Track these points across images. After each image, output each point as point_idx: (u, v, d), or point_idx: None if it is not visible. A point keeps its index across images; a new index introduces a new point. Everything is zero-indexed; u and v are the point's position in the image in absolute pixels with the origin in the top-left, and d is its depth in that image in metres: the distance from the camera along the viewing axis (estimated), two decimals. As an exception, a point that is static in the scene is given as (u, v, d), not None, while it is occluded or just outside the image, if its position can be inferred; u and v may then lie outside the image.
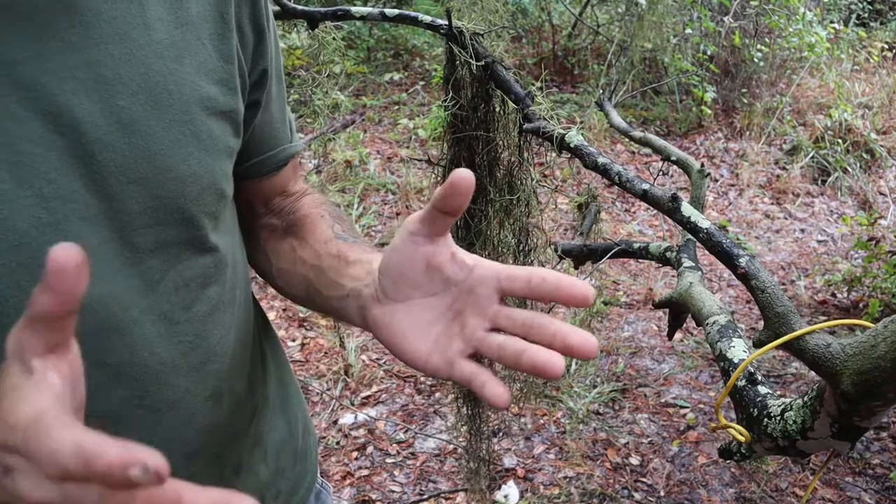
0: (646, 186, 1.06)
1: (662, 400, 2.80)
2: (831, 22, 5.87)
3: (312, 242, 0.71)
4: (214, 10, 0.61)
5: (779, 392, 2.98)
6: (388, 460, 2.45)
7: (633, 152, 4.90)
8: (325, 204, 0.79)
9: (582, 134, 1.09)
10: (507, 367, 0.48)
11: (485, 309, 0.50)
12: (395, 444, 2.52)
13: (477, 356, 0.51)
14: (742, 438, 0.87)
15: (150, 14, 0.56)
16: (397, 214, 4.07)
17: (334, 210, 0.78)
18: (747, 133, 5.15)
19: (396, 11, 1.36)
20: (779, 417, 0.81)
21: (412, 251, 0.52)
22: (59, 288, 0.36)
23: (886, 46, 6.06)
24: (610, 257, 1.62)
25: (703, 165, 1.53)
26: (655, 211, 1.19)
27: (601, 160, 1.12)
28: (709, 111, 4.98)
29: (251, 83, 0.67)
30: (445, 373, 0.51)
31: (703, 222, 0.95)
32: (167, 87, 0.57)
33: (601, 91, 2.31)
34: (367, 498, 2.28)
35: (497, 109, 1.29)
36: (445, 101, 1.26)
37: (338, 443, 2.52)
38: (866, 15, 6.94)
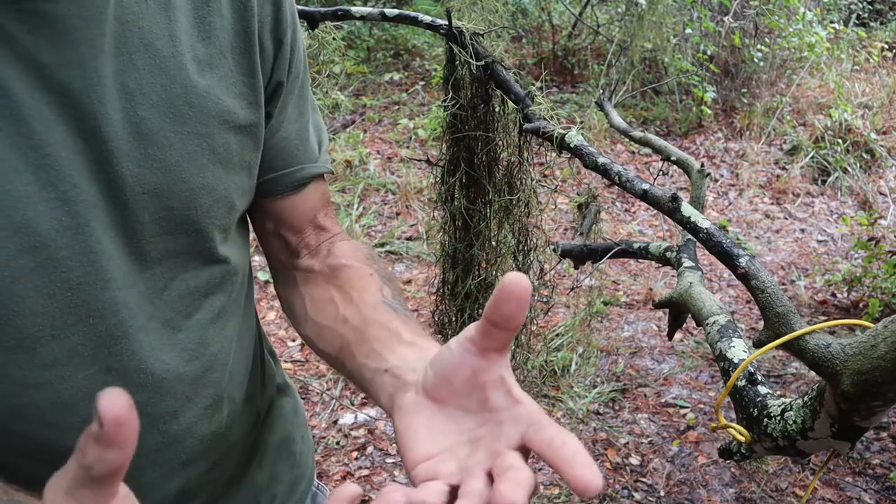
0: (646, 186, 1.06)
1: (662, 400, 2.80)
2: (831, 22, 5.87)
3: (359, 303, 0.66)
4: (238, 24, 0.61)
5: (779, 392, 2.97)
6: (388, 460, 2.45)
7: (633, 152, 4.90)
8: (371, 258, 0.74)
9: (582, 134, 1.09)
10: None
11: (498, 450, 0.45)
12: (395, 444, 2.52)
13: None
14: (742, 438, 0.87)
15: (177, 27, 0.56)
16: (397, 214, 4.07)
17: (382, 268, 0.73)
18: (747, 133, 5.15)
19: (396, 11, 1.36)
20: (779, 417, 0.81)
21: (462, 357, 0.47)
22: (121, 438, 0.33)
23: (886, 46, 6.06)
24: (610, 257, 1.62)
25: (703, 165, 1.53)
26: (655, 211, 1.19)
27: (601, 160, 1.12)
28: (709, 111, 4.97)
29: (265, 96, 0.66)
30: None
31: (703, 222, 0.95)
32: (188, 100, 0.57)
33: (601, 91, 2.31)
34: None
35: (497, 109, 1.29)
36: (445, 101, 1.26)
37: (338, 443, 2.52)
38: (866, 15, 6.94)
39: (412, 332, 0.61)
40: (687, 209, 0.97)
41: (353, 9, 1.37)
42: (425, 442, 0.48)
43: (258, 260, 2.96)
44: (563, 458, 0.41)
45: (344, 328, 0.65)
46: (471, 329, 0.46)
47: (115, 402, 0.32)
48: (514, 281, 0.42)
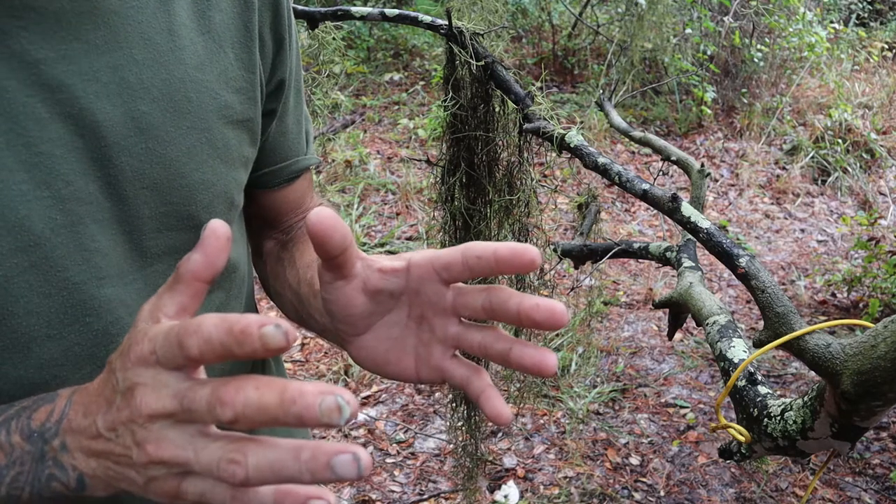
0: (646, 186, 1.06)
1: (662, 400, 2.80)
2: (831, 22, 5.87)
3: (299, 265, 0.69)
4: (238, 19, 0.61)
5: (779, 392, 2.97)
6: (388, 460, 2.45)
7: (633, 152, 4.90)
8: None
9: (582, 134, 1.09)
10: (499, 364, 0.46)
11: (441, 304, 0.47)
12: (395, 444, 2.52)
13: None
14: (742, 438, 0.87)
15: (176, 21, 0.56)
16: (397, 214, 4.07)
17: None
18: (747, 133, 5.15)
19: (396, 11, 1.36)
20: (779, 417, 0.81)
21: (341, 293, 0.48)
22: (210, 249, 0.41)
23: (886, 46, 6.06)
24: (610, 257, 1.62)
25: (703, 165, 1.53)
26: (655, 211, 1.20)
27: (601, 160, 1.12)
28: (709, 111, 4.97)
29: (267, 93, 0.67)
30: (440, 381, 0.49)
31: (703, 222, 0.95)
32: (187, 95, 0.57)
33: (601, 91, 2.31)
34: (367, 498, 2.28)
35: (497, 109, 1.29)
36: (445, 101, 1.26)
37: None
38: (866, 15, 6.94)
39: None
40: (687, 209, 0.97)
41: (353, 9, 1.37)
42: (398, 360, 0.51)
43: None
44: (488, 265, 0.43)
45: (290, 293, 0.69)
46: (324, 275, 0.48)
47: (220, 223, 0.41)
48: (317, 222, 0.42)
